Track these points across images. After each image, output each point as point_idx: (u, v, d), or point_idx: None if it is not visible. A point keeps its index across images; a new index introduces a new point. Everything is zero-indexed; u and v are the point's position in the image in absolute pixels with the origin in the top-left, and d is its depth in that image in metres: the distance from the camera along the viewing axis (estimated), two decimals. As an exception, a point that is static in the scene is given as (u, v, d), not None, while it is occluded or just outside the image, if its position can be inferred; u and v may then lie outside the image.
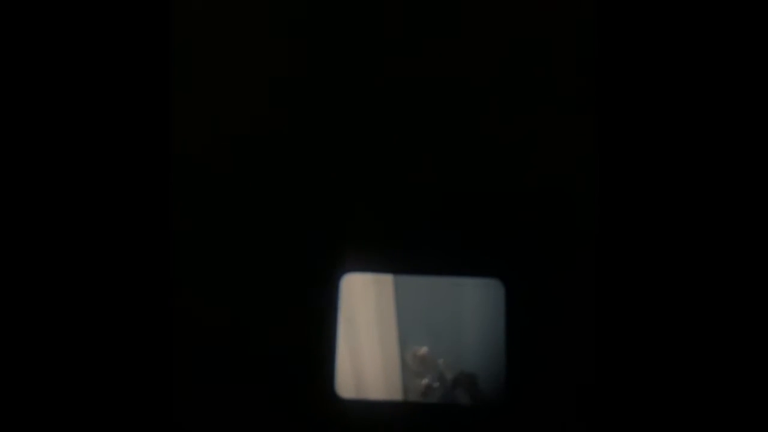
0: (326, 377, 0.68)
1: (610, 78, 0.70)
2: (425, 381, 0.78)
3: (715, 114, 0.69)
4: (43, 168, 0.69)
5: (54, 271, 0.68)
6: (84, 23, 0.71)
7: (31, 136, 0.70)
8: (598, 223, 0.69)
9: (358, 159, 0.71)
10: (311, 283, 0.70)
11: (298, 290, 0.70)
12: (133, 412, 0.67)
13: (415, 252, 0.70)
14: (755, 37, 0.70)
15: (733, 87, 0.69)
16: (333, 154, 0.71)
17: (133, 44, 0.71)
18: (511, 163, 0.71)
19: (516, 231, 0.70)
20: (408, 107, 0.72)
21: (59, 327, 0.68)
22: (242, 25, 0.73)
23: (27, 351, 0.67)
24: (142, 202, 0.69)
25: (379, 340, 0.81)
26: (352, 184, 0.71)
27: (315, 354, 0.69)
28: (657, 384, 0.67)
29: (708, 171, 0.69)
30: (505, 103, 0.71)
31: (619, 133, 0.69)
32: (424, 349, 0.80)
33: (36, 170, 0.69)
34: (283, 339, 0.69)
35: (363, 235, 0.71)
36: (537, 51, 0.72)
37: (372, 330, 0.81)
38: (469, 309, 0.77)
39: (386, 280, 0.79)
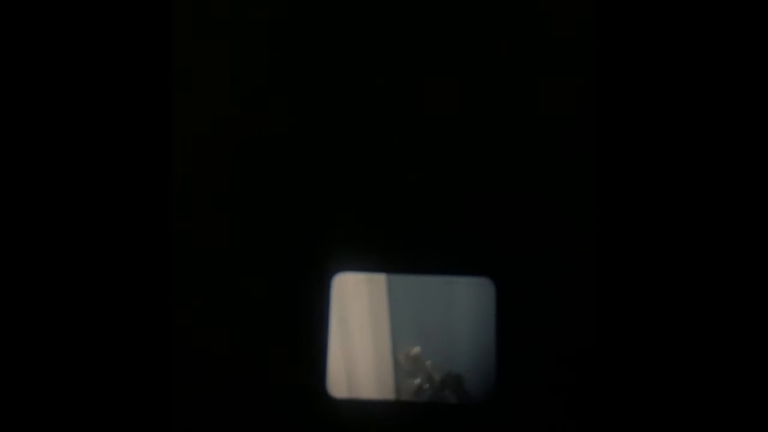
0: (318, 377, 0.68)
1: (610, 78, 0.70)
2: (417, 381, 0.78)
3: (715, 114, 0.70)
4: (43, 168, 0.69)
5: (54, 271, 0.68)
6: (84, 23, 0.70)
7: (31, 136, 0.69)
8: (597, 223, 0.69)
9: (350, 159, 0.71)
10: (303, 283, 0.70)
11: (290, 289, 0.70)
12: (130, 412, 0.67)
13: (408, 251, 0.71)
14: (755, 37, 0.70)
15: (733, 87, 0.70)
16: (327, 154, 0.71)
17: (133, 44, 0.70)
18: (506, 163, 0.71)
19: (511, 231, 0.70)
20: (405, 107, 0.72)
21: (59, 328, 0.67)
22: (242, 25, 0.73)
23: (27, 353, 0.67)
24: (142, 202, 0.69)
25: (372, 340, 0.81)
26: (344, 184, 0.71)
27: (307, 353, 0.69)
28: (653, 385, 0.67)
29: (708, 171, 0.69)
30: (503, 102, 0.72)
31: (619, 133, 0.70)
32: (416, 349, 0.80)
33: (36, 170, 0.69)
34: (276, 338, 0.69)
35: (355, 235, 0.71)
36: (537, 51, 0.72)
37: (364, 329, 0.81)
38: (462, 308, 0.77)
39: (379, 279, 0.79)
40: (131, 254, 0.68)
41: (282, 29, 0.73)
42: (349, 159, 0.71)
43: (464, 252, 0.70)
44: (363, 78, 0.72)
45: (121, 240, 0.68)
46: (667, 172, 0.69)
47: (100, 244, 0.68)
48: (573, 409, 0.67)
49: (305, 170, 0.71)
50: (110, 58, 0.70)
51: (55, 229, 0.68)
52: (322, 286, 0.70)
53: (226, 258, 0.70)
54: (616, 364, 0.67)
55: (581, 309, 0.68)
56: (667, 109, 0.70)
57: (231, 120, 0.72)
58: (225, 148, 0.71)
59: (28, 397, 0.66)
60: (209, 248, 0.70)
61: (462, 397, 0.74)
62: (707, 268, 0.68)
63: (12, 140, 0.69)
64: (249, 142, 0.72)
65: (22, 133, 0.69)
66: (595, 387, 0.67)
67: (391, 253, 0.71)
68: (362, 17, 0.73)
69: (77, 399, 0.67)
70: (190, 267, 0.70)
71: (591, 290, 0.68)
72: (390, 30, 0.73)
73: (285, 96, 0.72)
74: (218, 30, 0.73)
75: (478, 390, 0.74)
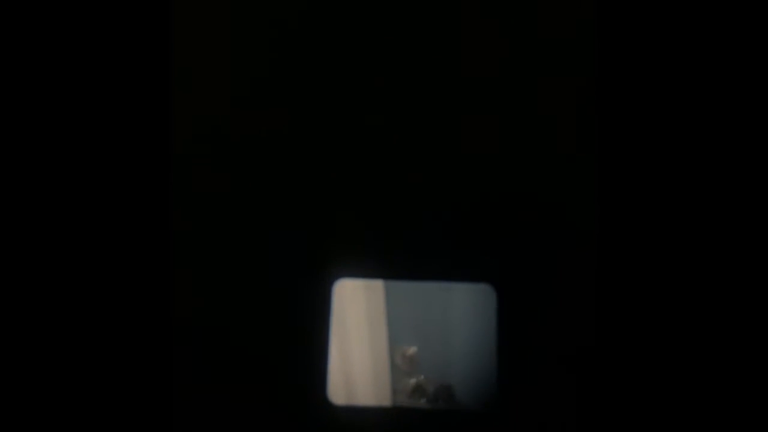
0: (318, 383, 0.68)
1: (610, 78, 0.70)
2: (413, 381, 0.78)
3: (715, 114, 0.70)
4: (43, 168, 0.69)
5: (54, 271, 0.68)
6: (84, 23, 0.70)
7: (31, 136, 0.69)
8: (597, 228, 0.69)
9: (349, 164, 0.71)
10: (303, 289, 0.69)
11: (290, 296, 0.69)
12: (129, 414, 0.67)
13: (406, 257, 0.70)
14: (755, 37, 0.70)
15: (733, 87, 0.70)
16: (327, 159, 0.71)
17: (133, 44, 0.70)
18: (506, 163, 0.71)
19: (511, 231, 0.70)
20: (404, 109, 0.72)
21: (58, 327, 0.67)
22: (242, 25, 0.73)
23: (26, 352, 0.67)
24: (142, 202, 0.69)
25: (370, 346, 0.81)
26: (343, 189, 0.71)
27: (307, 360, 0.68)
28: (653, 385, 0.67)
29: (708, 171, 0.69)
30: (503, 102, 0.72)
31: (619, 133, 0.70)
32: (413, 349, 0.80)
33: (36, 170, 0.69)
34: (276, 345, 0.68)
35: (354, 241, 0.71)
36: (537, 51, 0.72)
37: (362, 335, 0.81)
38: (460, 315, 0.77)
39: (377, 285, 0.79)
40: (131, 254, 0.68)
41: (282, 29, 0.73)
42: (349, 159, 0.71)
43: (464, 252, 0.70)
44: (363, 78, 0.72)
45: (121, 240, 0.68)
46: (667, 172, 0.69)
47: (100, 244, 0.68)
48: (574, 411, 0.67)
49: (305, 170, 0.71)
50: (110, 58, 0.70)
51: (55, 228, 0.68)
52: (323, 293, 0.69)
53: (227, 263, 0.70)
54: (616, 365, 0.67)
55: (581, 309, 0.68)
56: (668, 109, 0.70)
57: (231, 120, 0.72)
58: (225, 148, 0.71)
59: (27, 396, 0.66)
60: (211, 251, 0.70)
61: (454, 408, 0.74)
62: (708, 268, 0.68)
63: (12, 140, 0.69)
64: (249, 142, 0.71)
65: (22, 133, 0.69)
66: (596, 388, 0.67)
67: (389, 259, 0.70)
68: (362, 17, 0.73)
69: (77, 399, 0.66)
70: (190, 268, 0.69)
71: (591, 290, 0.68)
72: (390, 30, 0.73)
73: (285, 96, 0.72)
74: (218, 30, 0.73)
75: (472, 399, 0.74)
